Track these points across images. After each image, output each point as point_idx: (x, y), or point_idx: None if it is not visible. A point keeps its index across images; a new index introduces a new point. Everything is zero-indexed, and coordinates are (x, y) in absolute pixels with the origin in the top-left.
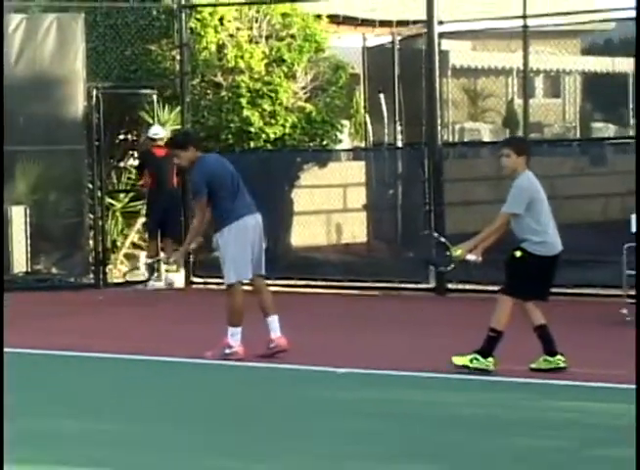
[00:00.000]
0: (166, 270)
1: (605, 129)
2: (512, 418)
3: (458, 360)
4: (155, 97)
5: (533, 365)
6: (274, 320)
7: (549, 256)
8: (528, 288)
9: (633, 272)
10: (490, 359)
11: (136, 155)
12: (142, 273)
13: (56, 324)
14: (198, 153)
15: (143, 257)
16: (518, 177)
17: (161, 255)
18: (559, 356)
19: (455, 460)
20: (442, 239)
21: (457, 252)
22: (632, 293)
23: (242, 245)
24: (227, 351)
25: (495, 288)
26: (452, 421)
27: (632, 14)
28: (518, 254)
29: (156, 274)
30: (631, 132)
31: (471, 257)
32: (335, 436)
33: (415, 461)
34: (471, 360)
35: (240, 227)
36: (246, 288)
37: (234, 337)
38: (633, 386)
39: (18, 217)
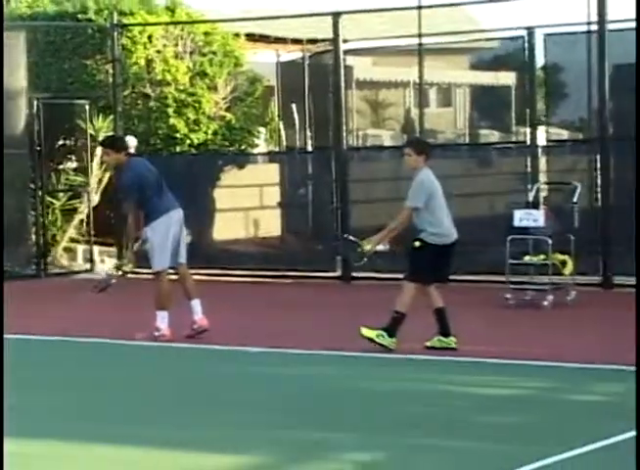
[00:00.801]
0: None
1: (490, 135)
2: (407, 390)
3: (366, 332)
4: (89, 107)
5: (428, 343)
6: (197, 304)
7: (444, 244)
8: (428, 274)
9: (515, 261)
10: (394, 340)
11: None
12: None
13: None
14: (125, 157)
15: (80, 250)
16: (417, 174)
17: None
18: (452, 338)
19: (354, 427)
20: (352, 238)
21: (367, 246)
22: (514, 279)
23: (165, 236)
24: (156, 333)
25: (393, 276)
26: (352, 393)
27: (514, 33)
28: (417, 244)
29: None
30: (513, 138)
31: (380, 247)
32: (238, 406)
33: (317, 430)
34: (377, 335)
35: (166, 220)
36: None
37: (163, 320)
38: (515, 361)
39: None
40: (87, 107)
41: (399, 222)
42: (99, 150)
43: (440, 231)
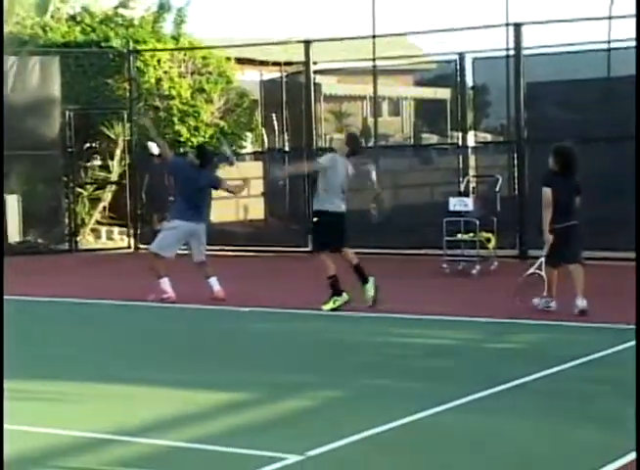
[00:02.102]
0: None
1: (430, 138)
2: (357, 341)
3: (326, 306)
4: (111, 116)
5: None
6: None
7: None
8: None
9: (450, 238)
10: (345, 295)
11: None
12: (103, 242)
13: (41, 279)
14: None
15: (103, 230)
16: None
17: None
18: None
19: (322, 372)
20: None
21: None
22: (449, 253)
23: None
24: (164, 296)
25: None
26: (316, 343)
27: (449, 57)
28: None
29: None
30: (449, 140)
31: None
32: (232, 355)
33: (295, 373)
34: (333, 302)
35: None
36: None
37: (165, 285)
38: (447, 317)
39: (12, 203)
40: (109, 116)
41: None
42: (118, 150)
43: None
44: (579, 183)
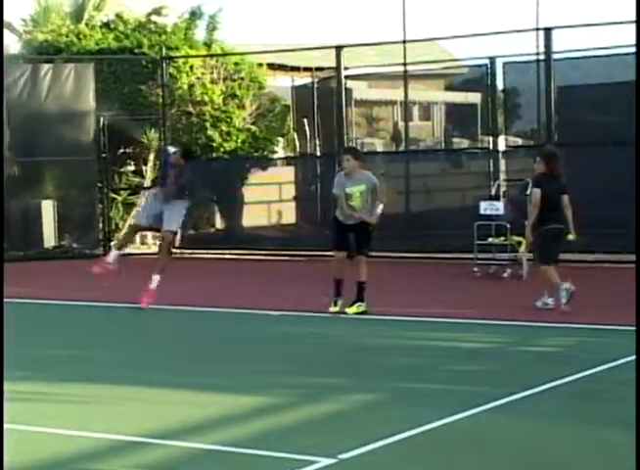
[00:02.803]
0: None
1: (461, 143)
2: (390, 344)
3: (351, 310)
4: (144, 122)
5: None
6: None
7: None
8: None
9: (481, 242)
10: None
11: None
12: (137, 246)
13: (75, 282)
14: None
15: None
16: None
17: None
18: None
19: (357, 375)
20: None
21: None
22: (480, 256)
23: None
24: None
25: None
26: (346, 346)
27: (479, 62)
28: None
29: None
30: (479, 145)
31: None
32: (260, 358)
33: (323, 376)
34: (357, 307)
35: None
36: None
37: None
38: (479, 320)
39: (47, 208)
40: (142, 122)
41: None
42: (151, 156)
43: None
44: (565, 184)
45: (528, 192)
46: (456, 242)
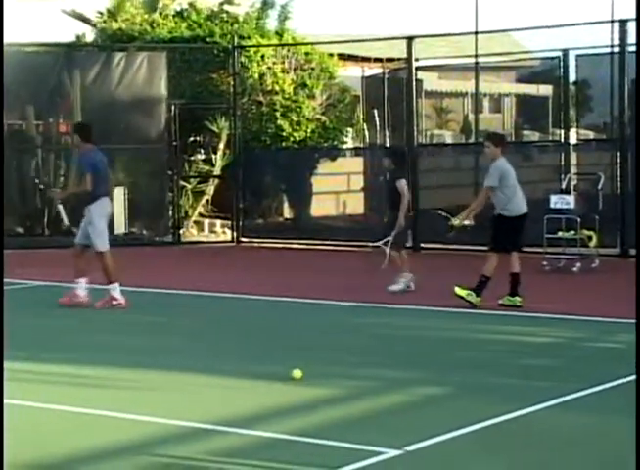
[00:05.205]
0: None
1: (531, 135)
2: (462, 337)
3: (458, 291)
4: (215, 111)
5: (500, 301)
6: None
7: (513, 217)
8: (507, 243)
9: (550, 236)
10: (479, 298)
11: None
12: (206, 235)
13: (145, 269)
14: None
15: (206, 223)
16: (495, 161)
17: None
18: (517, 297)
19: (425, 368)
20: (444, 214)
21: (455, 222)
22: (550, 250)
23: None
24: (114, 302)
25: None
26: (421, 339)
27: (551, 54)
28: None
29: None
30: (550, 138)
31: (466, 222)
32: (330, 349)
33: (395, 368)
34: (467, 294)
35: (103, 204)
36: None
37: (115, 291)
38: (548, 315)
39: (118, 195)
40: (213, 111)
41: (479, 201)
42: (221, 144)
43: (509, 206)
44: None
45: (600, 186)
46: (525, 236)
